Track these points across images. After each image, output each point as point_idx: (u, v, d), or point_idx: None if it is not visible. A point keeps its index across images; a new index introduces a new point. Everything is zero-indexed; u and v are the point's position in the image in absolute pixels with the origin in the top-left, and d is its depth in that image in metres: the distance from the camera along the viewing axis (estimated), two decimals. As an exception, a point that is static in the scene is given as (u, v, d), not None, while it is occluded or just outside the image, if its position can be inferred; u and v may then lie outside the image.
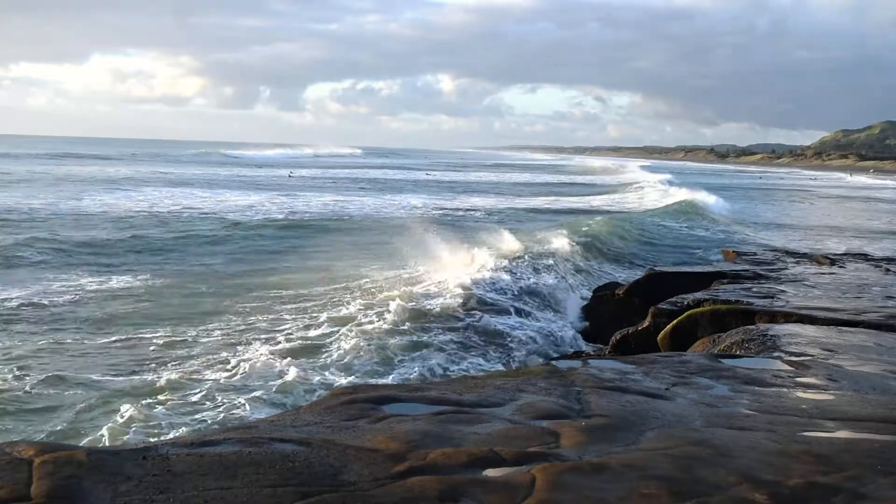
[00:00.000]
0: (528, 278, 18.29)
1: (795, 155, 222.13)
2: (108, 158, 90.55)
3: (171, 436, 8.19)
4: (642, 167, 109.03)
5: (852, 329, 9.65)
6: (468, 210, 40.91)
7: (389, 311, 14.35)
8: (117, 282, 18.04)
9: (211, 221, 30.57)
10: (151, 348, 12.51)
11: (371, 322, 13.93)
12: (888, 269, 16.08)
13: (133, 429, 8.76)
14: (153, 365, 11.55)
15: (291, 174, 70.12)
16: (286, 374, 10.86)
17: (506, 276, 17.92)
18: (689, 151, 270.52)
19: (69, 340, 12.80)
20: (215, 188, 49.35)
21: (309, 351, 12.29)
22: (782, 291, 12.65)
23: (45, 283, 17.47)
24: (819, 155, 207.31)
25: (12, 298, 15.55)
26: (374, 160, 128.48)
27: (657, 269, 17.41)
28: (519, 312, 15.47)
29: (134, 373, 11.19)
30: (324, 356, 11.98)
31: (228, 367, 11.43)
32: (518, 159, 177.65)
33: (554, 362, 7.05)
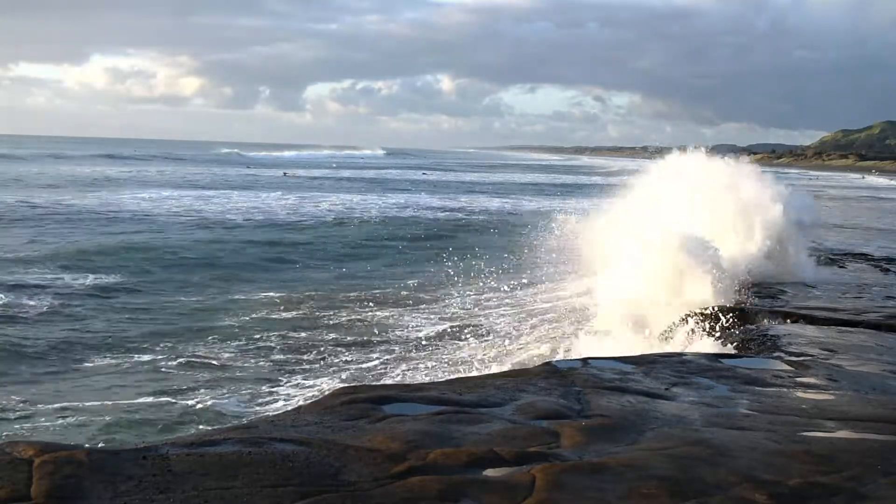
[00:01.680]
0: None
1: (796, 155, 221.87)
2: (111, 158, 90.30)
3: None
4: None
5: (852, 329, 9.65)
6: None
7: None
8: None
9: (205, 224, 30.53)
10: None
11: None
12: (888, 269, 16.09)
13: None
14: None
15: (286, 174, 69.94)
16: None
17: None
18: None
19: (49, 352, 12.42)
20: (220, 188, 49.33)
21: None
22: (782, 291, 12.64)
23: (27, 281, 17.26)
24: (819, 155, 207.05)
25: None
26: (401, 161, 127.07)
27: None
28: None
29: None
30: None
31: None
32: (524, 160, 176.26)
33: (554, 362, 7.04)
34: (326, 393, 6.15)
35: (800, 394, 6.22)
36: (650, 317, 10.97)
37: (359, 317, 15.28)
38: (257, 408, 9.88)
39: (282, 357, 12.38)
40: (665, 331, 10.23)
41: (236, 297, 16.85)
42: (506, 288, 17.41)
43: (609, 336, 10.67)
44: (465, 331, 13.98)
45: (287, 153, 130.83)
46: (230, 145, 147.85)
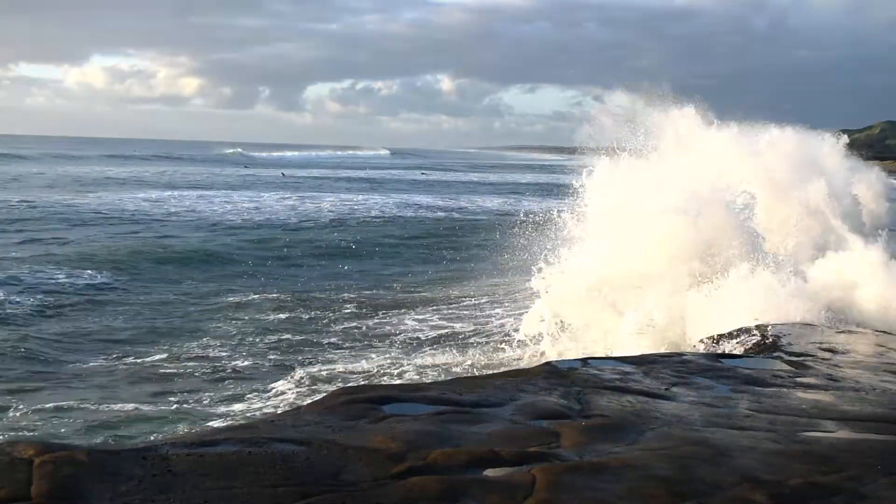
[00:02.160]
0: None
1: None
2: (111, 157, 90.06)
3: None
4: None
5: (852, 329, 9.66)
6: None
7: None
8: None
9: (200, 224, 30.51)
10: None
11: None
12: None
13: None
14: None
15: (284, 174, 69.78)
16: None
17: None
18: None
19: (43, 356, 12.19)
20: (219, 188, 49.28)
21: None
22: (782, 291, 12.60)
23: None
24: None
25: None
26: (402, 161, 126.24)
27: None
28: None
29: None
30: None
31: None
32: (524, 160, 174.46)
33: (554, 362, 7.05)
34: (326, 393, 6.14)
35: (800, 394, 6.22)
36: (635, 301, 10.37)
37: (357, 317, 15.26)
38: (257, 408, 9.88)
39: (280, 357, 12.35)
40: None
41: (235, 297, 16.82)
42: (506, 288, 17.40)
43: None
44: (466, 332, 13.98)
45: (290, 153, 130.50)
46: (231, 145, 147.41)
